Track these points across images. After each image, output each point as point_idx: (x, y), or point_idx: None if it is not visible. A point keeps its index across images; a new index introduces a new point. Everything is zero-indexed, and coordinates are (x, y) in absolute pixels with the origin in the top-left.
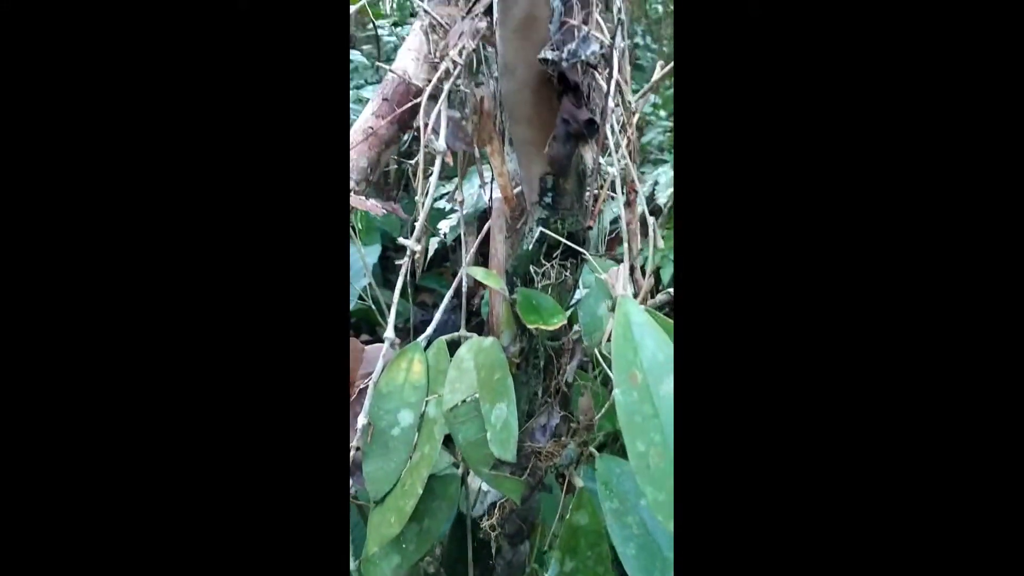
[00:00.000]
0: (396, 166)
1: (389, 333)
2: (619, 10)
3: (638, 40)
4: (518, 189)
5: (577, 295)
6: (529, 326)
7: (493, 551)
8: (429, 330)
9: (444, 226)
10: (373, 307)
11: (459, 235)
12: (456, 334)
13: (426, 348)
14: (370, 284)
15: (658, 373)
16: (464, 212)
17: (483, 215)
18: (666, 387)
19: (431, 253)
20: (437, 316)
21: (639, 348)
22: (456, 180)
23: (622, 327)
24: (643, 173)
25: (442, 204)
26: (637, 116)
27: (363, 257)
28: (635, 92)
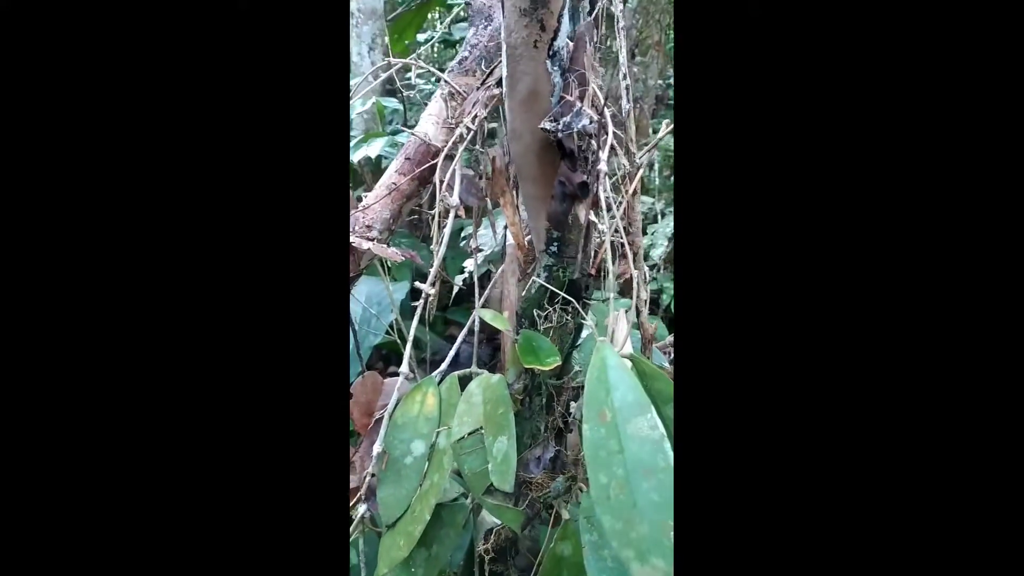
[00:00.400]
0: (417, 217)
1: (404, 368)
2: (624, 76)
3: (670, 80)
4: (529, 237)
5: (585, 334)
6: (525, 366)
7: None
8: (444, 366)
9: (470, 264)
10: (399, 341)
11: (484, 273)
12: (468, 370)
13: (440, 382)
14: (397, 319)
15: (627, 413)
16: (480, 257)
17: (502, 257)
18: (633, 426)
19: (456, 290)
20: (450, 354)
21: (611, 389)
22: (483, 222)
23: (597, 369)
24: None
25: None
26: (639, 173)
27: (390, 294)
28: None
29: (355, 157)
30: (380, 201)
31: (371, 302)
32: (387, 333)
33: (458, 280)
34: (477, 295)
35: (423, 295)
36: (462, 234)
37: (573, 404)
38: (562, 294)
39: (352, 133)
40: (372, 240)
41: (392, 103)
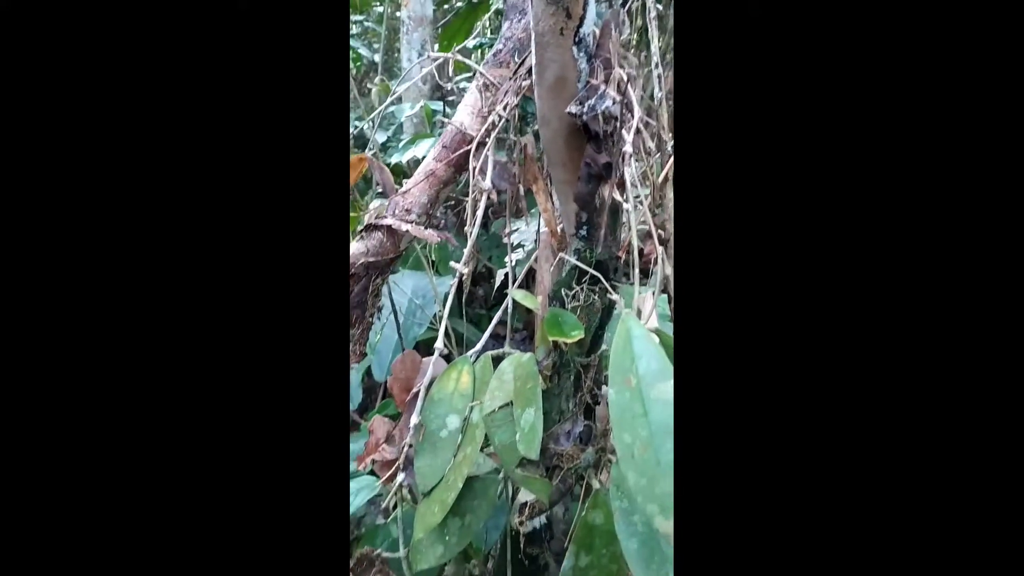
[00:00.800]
0: (454, 203)
1: (439, 343)
2: (656, 65)
3: None
4: (562, 226)
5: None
6: (550, 338)
7: (540, 565)
8: (478, 346)
9: (512, 258)
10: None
11: (523, 266)
12: (501, 350)
13: (474, 362)
14: (439, 313)
15: (651, 380)
16: (518, 251)
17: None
18: (656, 392)
19: (499, 281)
20: (485, 336)
21: (636, 358)
22: (521, 217)
23: (622, 339)
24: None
25: (514, 239)
26: (671, 160)
27: (434, 287)
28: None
29: (404, 158)
30: (418, 186)
31: (416, 295)
32: (430, 326)
33: (499, 274)
34: (511, 279)
35: (457, 274)
36: (506, 229)
37: (605, 388)
38: (591, 271)
39: (401, 136)
40: (411, 223)
41: (439, 105)
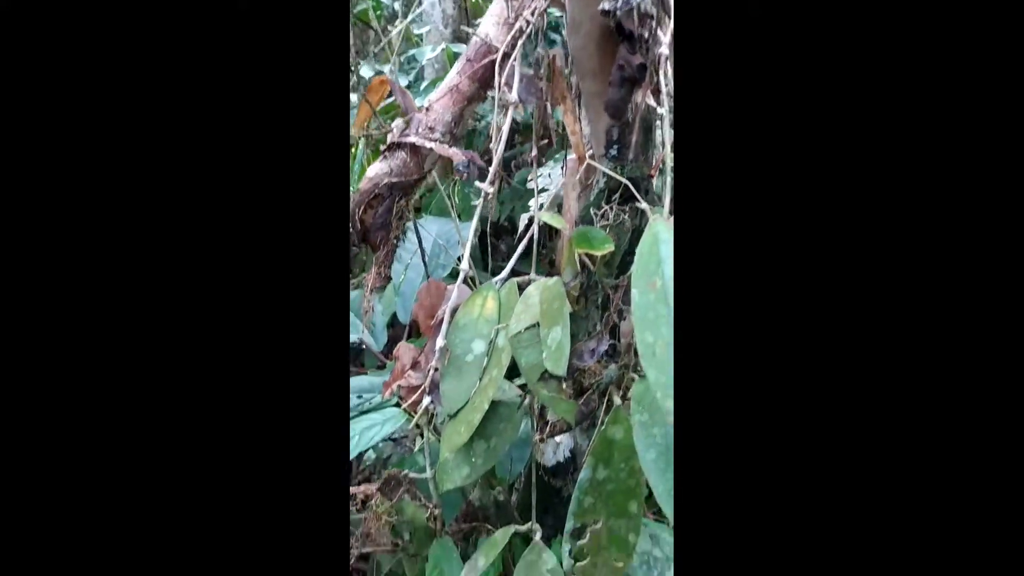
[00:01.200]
0: (478, 122)
1: (464, 264)
2: None
3: None
4: (591, 151)
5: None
6: (579, 252)
7: (564, 497)
8: (504, 273)
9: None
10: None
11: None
12: (527, 277)
13: (499, 288)
14: (463, 255)
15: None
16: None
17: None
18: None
19: (522, 226)
20: (511, 262)
21: (662, 261)
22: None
23: (649, 243)
24: None
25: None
26: None
27: (459, 231)
28: None
29: (424, 102)
30: (441, 102)
31: (441, 237)
32: (455, 268)
33: (523, 219)
34: (536, 202)
35: (482, 194)
36: (528, 179)
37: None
38: (624, 180)
39: (422, 79)
40: (434, 141)
41: (462, 48)
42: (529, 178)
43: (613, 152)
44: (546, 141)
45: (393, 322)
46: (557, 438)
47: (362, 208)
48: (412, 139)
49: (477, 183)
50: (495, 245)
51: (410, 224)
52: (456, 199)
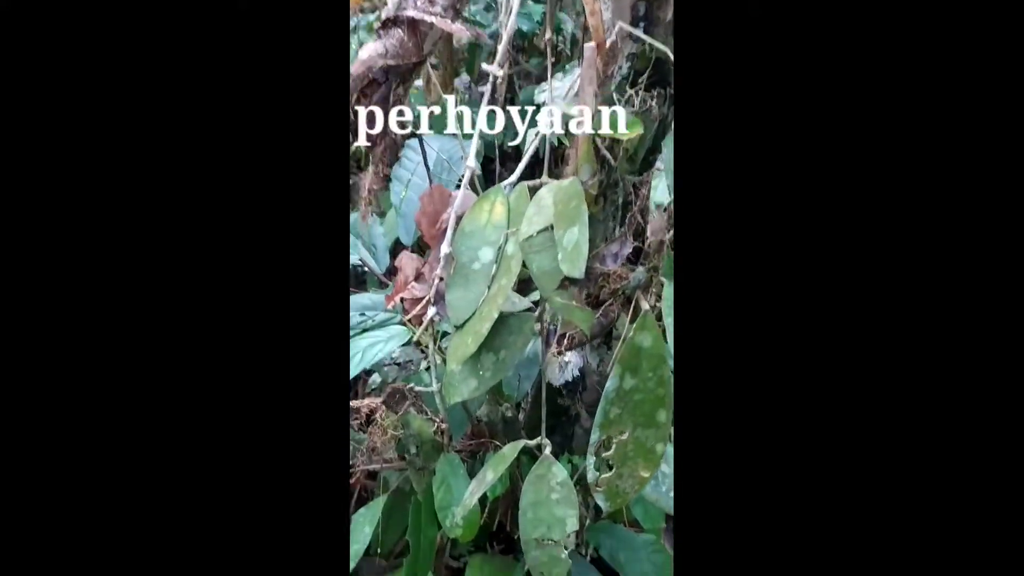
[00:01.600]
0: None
1: (471, 162)
2: None
3: None
4: (612, 39)
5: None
6: (599, 137)
7: (572, 416)
8: (514, 176)
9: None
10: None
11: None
12: (539, 180)
13: (509, 192)
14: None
15: None
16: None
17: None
18: None
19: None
20: (521, 165)
21: None
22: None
23: None
24: None
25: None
26: None
27: (462, 146)
28: None
29: None
30: None
31: (444, 152)
32: (457, 187)
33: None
34: (550, 83)
35: (491, 77)
36: (533, 98)
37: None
38: (660, 46)
39: None
40: (435, 15)
41: None
42: (544, 41)
43: (638, 33)
44: (554, 60)
45: (395, 247)
46: (566, 355)
47: (355, 98)
48: (411, 13)
49: (485, 65)
50: (501, 175)
51: (410, 142)
52: (459, 120)
